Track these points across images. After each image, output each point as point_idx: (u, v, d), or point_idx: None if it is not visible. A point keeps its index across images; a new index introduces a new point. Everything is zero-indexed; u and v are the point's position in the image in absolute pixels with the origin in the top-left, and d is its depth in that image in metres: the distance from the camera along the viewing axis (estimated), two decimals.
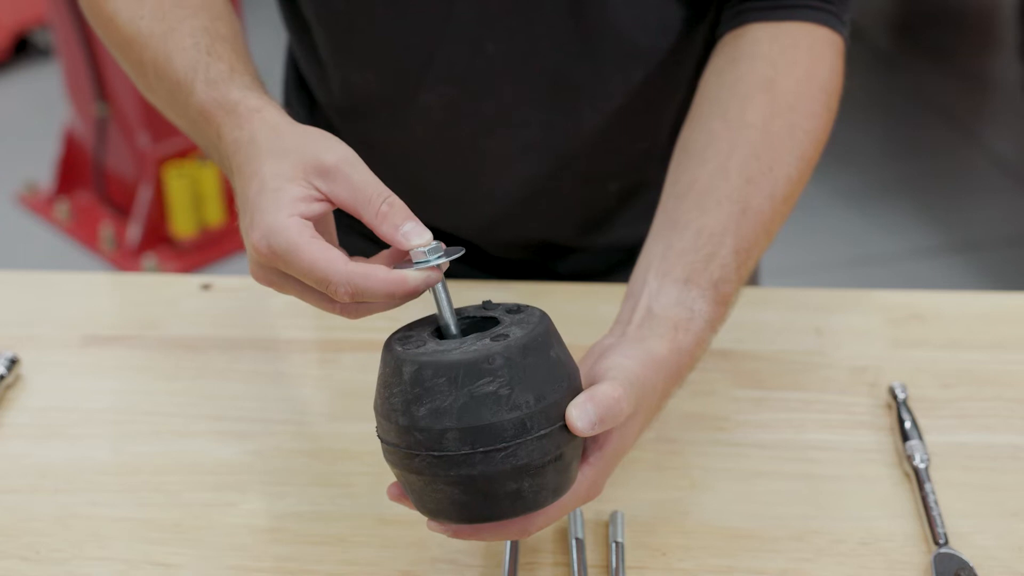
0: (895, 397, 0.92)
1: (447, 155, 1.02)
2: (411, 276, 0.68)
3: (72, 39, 2.78)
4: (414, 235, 0.69)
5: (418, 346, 0.67)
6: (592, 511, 0.84)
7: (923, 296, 1.05)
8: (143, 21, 0.85)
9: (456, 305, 0.71)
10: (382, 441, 0.68)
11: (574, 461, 0.69)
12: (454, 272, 1.05)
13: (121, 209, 2.93)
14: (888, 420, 0.92)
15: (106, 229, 2.90)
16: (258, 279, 0.72)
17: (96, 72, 2.77)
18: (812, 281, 2.72)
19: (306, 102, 1.11)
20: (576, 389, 0.68)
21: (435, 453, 0.65)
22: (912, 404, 0.92)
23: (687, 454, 0.89)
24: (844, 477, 0.87)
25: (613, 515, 0.83)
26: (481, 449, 0.64)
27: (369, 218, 0.69)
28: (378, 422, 0.68)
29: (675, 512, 0.84)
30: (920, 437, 0.89)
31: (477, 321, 0.71)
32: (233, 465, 0.89)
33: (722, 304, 0.80)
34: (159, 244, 2.86)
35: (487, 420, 0.64)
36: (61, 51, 2.90)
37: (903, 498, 0.85)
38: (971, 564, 0.78)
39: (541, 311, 0.70)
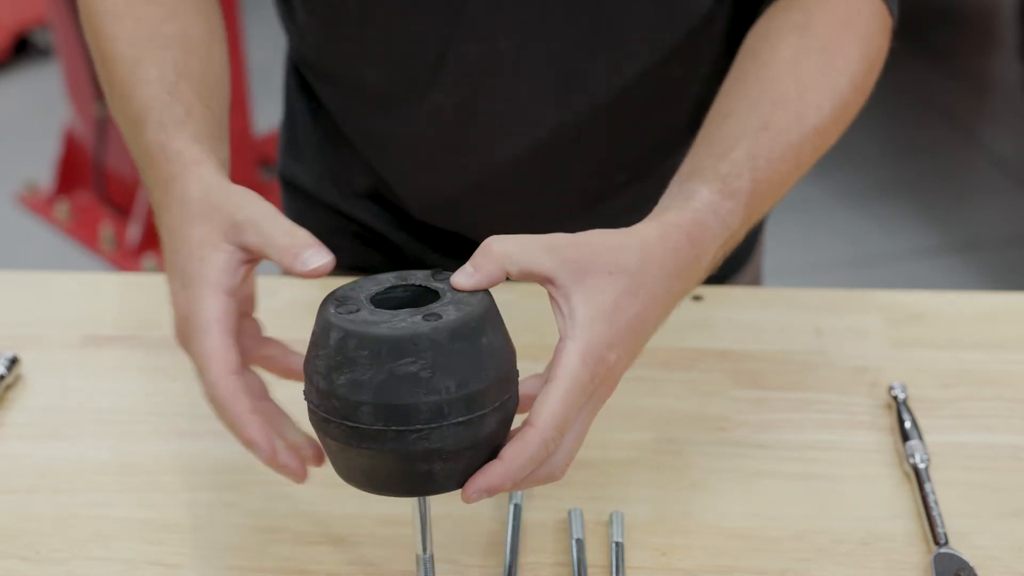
0: (895, 397, 0.92)
1: (457, 154, 1.02)
2: (257, 438, 0.68)
3: (72, 39, 2.78)
4: (313, 260, 0.69)
5: (351, 311, 0.67)
6: (592, 511, 0.84)
7: (923, 296, 1.05)
8: (119, 43, 0.85)
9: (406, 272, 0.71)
10: (305, 399, 0.69)
11: (495, 448, 0.68)
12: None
13: (121, 209, 2.93)
14: (888, 420, 0.92)
15: (106, 229, 2.89)
16: (177, 335, 0.73)
17: (96, 72, 2.76)
18: (812, 281, 2.72)
19: (308, 104, 1.10)
20: (505, 379, 0.67)
21: (349, 423, 0.65)
22: (912, 404, 0.92)
23: (687, 454, 0.89)
24: (844, 477, 0.87)
25: (613, 515, 0.83)
26: (394, 427, 0.64)
27: (277, 257, 0.69)
28: (304, 381, 0.69)
29: (675, 512, 0.84)
30: (920, 437, 0.89)
31: (420, 291, 0.70)
32: (233, 465, 0.89)
33: (729, 197, 0.77)
34: (159, 244, 2.86)
35: (404, 400, 0.64)
36: (61, 51, 2.90)
37: (903, 498, 0.85)
38: (971, 564, 0.78)
39: (485, 292, 0.69)
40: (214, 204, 0.72)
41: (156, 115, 0.79)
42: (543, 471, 0.69)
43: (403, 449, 0.65)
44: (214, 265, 0.70)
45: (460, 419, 0.65)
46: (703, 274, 0.76)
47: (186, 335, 0.71)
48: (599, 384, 0.69)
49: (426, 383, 0.64)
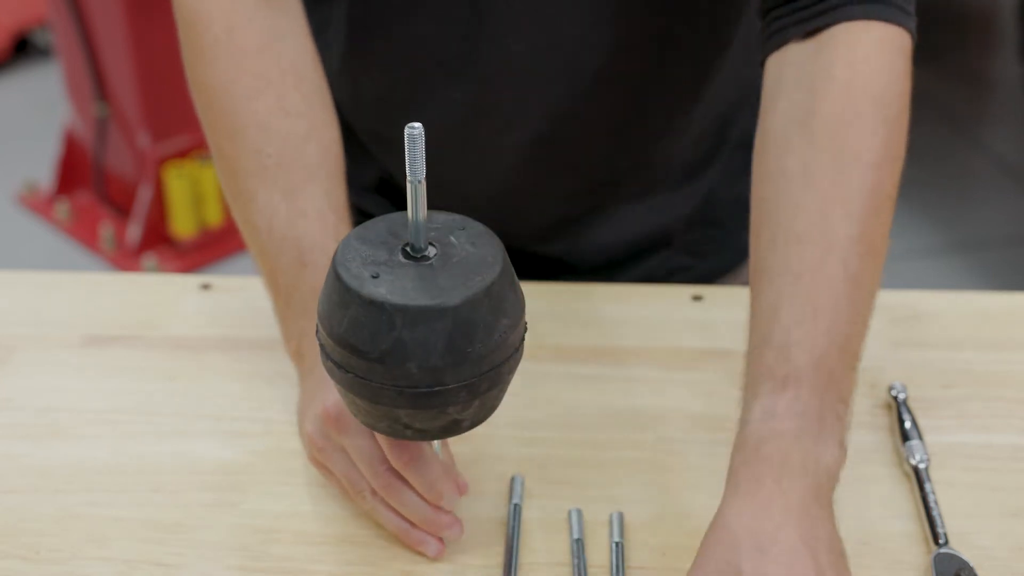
0: (895, 397, 0.92)
1: (464, 147, 1.03)
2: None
3: (72, 39, 2.78)
4: None
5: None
6: (592, 511, 0.84)
7: (923, 296, 1.05)
8: (270, 160, 0.89)
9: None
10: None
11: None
12: None
13: (121, 209, 2.93)
14: (888, 420, 0.92)
15: (106, 229, 2.90)
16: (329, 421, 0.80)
17: (96, 72, 2.77)
18: None
19: None
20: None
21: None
22: (912, 404, 0.92)
23: (687, 454, 0.89)
24: (844, 477, 0.87)
25: (613, 515, 0.83)
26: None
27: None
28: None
29: (675, 512, 0.84)
30: (920, 437, 0.89)
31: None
32: (233, 465, 0.89)
33: (783, 387, 0.75)
34: (159, 244, 2.86)
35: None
36: (61, 51, 2.90)
37: (903, 498, 0.85)
38: (971, 564, 0.78)
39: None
40: None
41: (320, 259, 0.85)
42: None
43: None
44: None
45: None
46: (818, 457, 0.74)
47: (343, 426, 0.79)
48: None
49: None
